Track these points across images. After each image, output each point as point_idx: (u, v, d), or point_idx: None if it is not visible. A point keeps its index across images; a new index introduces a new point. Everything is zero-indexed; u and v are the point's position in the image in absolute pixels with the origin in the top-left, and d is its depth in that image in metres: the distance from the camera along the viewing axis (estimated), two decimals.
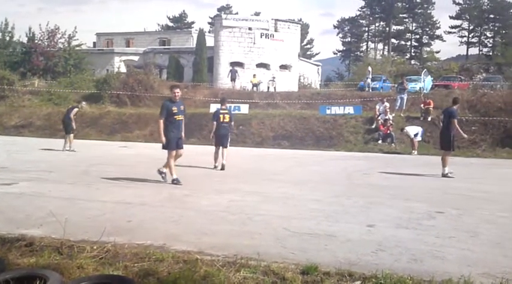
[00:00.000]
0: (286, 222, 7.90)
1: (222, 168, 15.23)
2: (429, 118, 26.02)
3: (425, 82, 35.57)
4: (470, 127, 24.81)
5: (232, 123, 16.29)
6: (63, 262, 5.36)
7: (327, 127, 27.21)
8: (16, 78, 39.43)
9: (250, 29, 46.32)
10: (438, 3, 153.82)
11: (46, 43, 47.62)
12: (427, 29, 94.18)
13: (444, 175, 14.49)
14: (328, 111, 29.10)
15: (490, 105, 26.79)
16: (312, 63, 67.86)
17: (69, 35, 48.09)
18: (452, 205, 9.89)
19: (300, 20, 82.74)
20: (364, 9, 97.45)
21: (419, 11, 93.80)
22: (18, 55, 47.58)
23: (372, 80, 41.40)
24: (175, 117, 11.66)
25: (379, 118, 26.24)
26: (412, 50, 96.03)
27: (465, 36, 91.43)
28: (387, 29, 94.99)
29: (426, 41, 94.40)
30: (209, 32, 67.28)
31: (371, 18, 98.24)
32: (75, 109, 21.21)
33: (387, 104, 26.90)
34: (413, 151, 22.74)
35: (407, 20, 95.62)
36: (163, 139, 11.58)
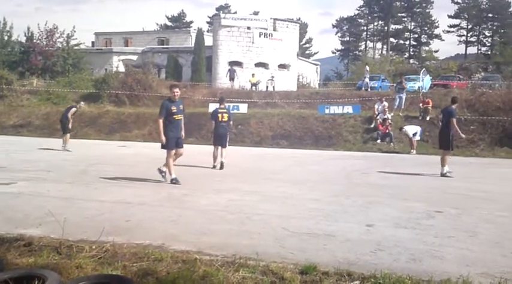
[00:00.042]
0: (285, 222, 7.90)
1: (221, 167, 15.25)
2: (428, 118, 26.03)
3: (424, 81, 35.63)
4: (469, 127, 24.84)
5: (231, 122, 16.30)
6: (62, 262, 5.35)
7: (326, 126, 27.21)
8: (14, 77, 39.38)
9: (248, 28, 46.29)
10: (437, 3, 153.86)
11: (44, 42, 47.60)
12: (426, 28, 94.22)
13: (443, 175, 14.50)
14: (327, 111, 29.10)
15: (489, 104, 26.81)
16: (311, 63, 67.86)
17: (68, 34, 48.10)
18: (451, 204, 9.89)
19: (299, 19, 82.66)
20: (362, 9, 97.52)
21: (418, 10, 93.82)
22: (16, 54, 47.53)
23: (371, 79, 41.47)
24: (174, 116, 11.66)
25: (378, 117, 26.26)
26: (411, 49, 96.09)
27: (464, 35, 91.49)
28: (386, 28, 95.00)
29: (425, 40, 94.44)
30: (208, 31, 67.20)
31: (370, 17, 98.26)
32: (73, 109, 21.16)
33: (386, 103, 26.92)
34: (412, 151, 22.76)
35: (405, 19, 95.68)
36: (163, 138, 11.58)
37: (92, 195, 10.05)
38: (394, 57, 76.13)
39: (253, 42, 46.23)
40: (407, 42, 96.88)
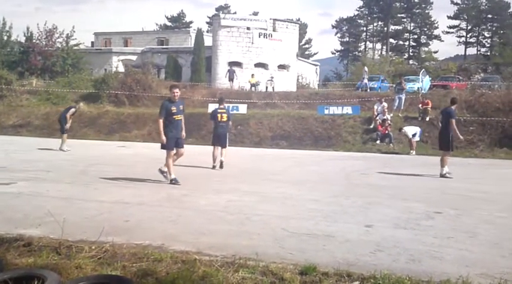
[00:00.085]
0: (284, 222, 7.90)
1: (221, 166, 15.30)
2: (427, 119, 26.04)
3: (424, 82, 35.57)
4: (468, 128, 24.86)
5: (230, 122, 16.29)
6: (62, 262, 5.35)
7: (325, 127, 27.22)
8: (14, 77, 39.34)
9: (248, 28, 46.30)
10: (436, 3, 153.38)
11: (44, 42, 47.57)
12: (425, 29, 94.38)
13: (442, 176, 14.50)
14: (326, 111, 29.11)
15: (488, 105, 26.80)
16: (310, 63, 67.91)
17: (67, 34, 48.04)
18: (450, 205, 9.90)
19: (298, 19, 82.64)
20: (362, 9, 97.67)
21: (418, 11, 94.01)
22: (16, 54, 47.53)
23: (370, 80, 41.55)
24: (174, 116, 11.67)
25: (378, 118, 26.27)
26: (410, 50, 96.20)
27: (463, 36, 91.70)
28: (385, 28, 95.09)
29: (424, 41, 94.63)
30: (207, 31, 67.21)
31: (369, 18, 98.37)
32: (72, 110, 21.06)
33: (385, 104, 26.96)
34: (411, 151, 22.76)
35: (405, 19, 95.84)
36: (164, 138, 11.57)
37: (91, 195, 10.05)
38: (394, 58, 76.16)
39: (252, 43, 46.23)
40: (406, 43, 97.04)
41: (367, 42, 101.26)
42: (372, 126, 26.57)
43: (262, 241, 6.77)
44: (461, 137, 15.02)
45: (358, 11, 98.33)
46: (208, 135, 20.22)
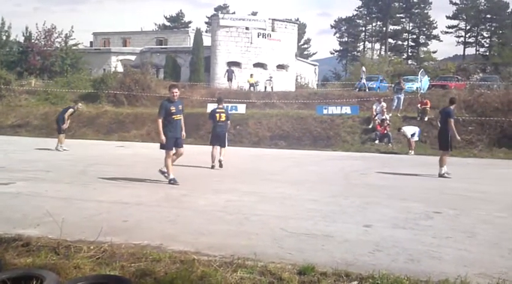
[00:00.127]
0: (283, 222, 7.90)
1: (220, 165, 15.34)
2: (426, 118, 26.05)
3: (422, 82, 35.68)
4: (467, 128, 24.89)
5: (229, 122, 16.29)
6: (60, 262, 5.34)
7: (324, 127, 27.23)
8: (13, 77, 39.38)
9: (247, 28, 46.34)
10: (435, 3, 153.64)
11: (43, 42, 47.66)
12: (424, 29, 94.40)
13: (441, 175, 14.51)
14: (325, 111, 29.13)
15: (487, 105, 26.82)
16: (309, 63, 67.98)
17: (66, 34, 48.17)
18: (449, 205, 9.90)
19: (297, 19, 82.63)
20: (361, 9, 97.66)
21: (416, 11, 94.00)
22: (15, 54, 47.59)
23: (369, 80, 41.62)
24: (173, 116, 11.67)
25: (376, 118, 26.28)
26: (409, 50, 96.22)
27: (462, 36, 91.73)
28: (384, 28, 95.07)
29: (423, 41, 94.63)
30: (206, 31, 67.31)
31: (368, 18, 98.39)
32: (70, 110, 20.98)
33: (384, 104, 26.99)
34: (410, 151, 22.78)
35: (404, 19, 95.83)
36: (163, 138, 11.57)
37: (90, 195, 10.04)
38: (393, 58, 76.15)
39: (251, 43, 46.27)
40: (405, 43, 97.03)
41: (366, 42, 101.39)
42: (370, 126, 26.58)
43: (260, 241, 6.77)
44: (458, 137, 15.01)
45: (357, 11, 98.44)
46: (207, 135, 20.21)
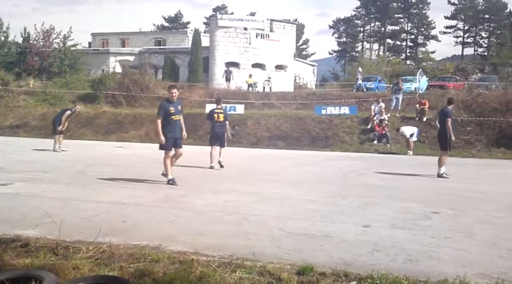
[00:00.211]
0: (281, 222, 7.90)
1: (221, 166, 15.41)
2: (424, 119, 26.07)
3: (421, 82, 35.69)
4: (466, 128, 24.94)
5: (227, 122, 16.30)
6: (59, 263, 5.34)
7: (323, 127, 27.24)
8: (11, 78, 39.33)
9: (245, 29, 46.32)
10: (433, 4, 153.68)
11: (41, 43, 47.57)
12: (422, 29, 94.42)
13: (439, 176, 14.52)
14: (323, 111, 29.13)
15: (485, 105, 26.85)
16: (308, 64, 67.97)
17: (64, 35, 48.10)
18: (447, 205, 9.91)
19: (296, 20, 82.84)
20: (359, 10, 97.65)
21: (415, 11, 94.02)
22: (13, 55, 47.53)
23: (368, 80, 41.69)
24: (172, 117, 11.68)
25: (375, 118, 26.29)
26: (408, 50, 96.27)
27: (460, 36, 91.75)
28: (382, 29, 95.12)
29: (421, 41, 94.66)
30: (204, 32, 67.35)
31: (366, 18, 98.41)
32: (68, 112, 20.86)
33: (382, 104, 26.97)
34: (408, 152, 22.78)
35: (402, 20, 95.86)
36: (162, 138, 11.57)
37: (88, 196, 10.04)
38: (391, 58, 76.34)
39: (250, 43, 46.25)
40: (404, 43, 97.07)
41: (364, 43, 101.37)
42: (369, 126, 26.60)
43: (259, 241, 6.77)
44: (453, 138, 15.00)
45: (355, 11, 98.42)
46: (206, 135, 20.20)
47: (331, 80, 75.82)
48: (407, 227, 7.87)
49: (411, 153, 22.70)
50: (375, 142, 25.19)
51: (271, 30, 46.98)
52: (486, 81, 38.57)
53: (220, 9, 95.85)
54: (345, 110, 29.08)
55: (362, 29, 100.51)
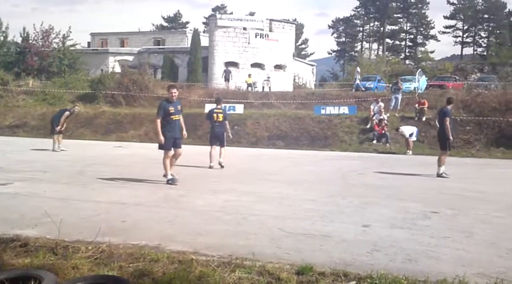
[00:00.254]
0: (281, 222, 7.90)
1: (222, 167, 15.47)
2: (424, 118, 26.07)
3: (420, 82, 35.68)
4: (465, 127, 24.95)
5: (227, 122, 16.29)
6: (58, 263, 5.34)
7: (322, 127, 27.24)
8: (10, 78, 39.31)
9: (244, 29, 46.33)
10: (432, 3, 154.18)
11: (40, 43, 47.56)
12: (422, 29, 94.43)
13: (439, 175, 14.52)
14: (323, 111, 29.12)
15: (485, 105, 26.86)
16: (307, 63, 67.93)
17: (64, 35, 48.08)
18: (447, 205, 9.91)
19: (295, 20, 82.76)
20: (358, 9, 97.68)
21: (414, 11, 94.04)
22: (12, 55, 47.52)
23: (367, 80, 41.74)
24: (172, 117, 11.69)
25: (374, 118, 26.29)
26: (407, 50, 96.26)
27: (459, 36, 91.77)
28: (382, 29, 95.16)
29: (421, 41, 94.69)
30: (204, 32, 67.30)
31: (365, 18, 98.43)
32: (67, 113, 20.80)
33: (382, 104, 26.97)
34: (408, 151, 22.78)
35: (401, 20, 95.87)
36: (162, 138, 11.58)
37: (88, 196, 10.03)
38: (390, 58, 76.30)
39: (249, 43, 46.26)
40: (403, 43, 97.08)
41: (364, 42, 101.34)
42: (368, 126, 26.60)
43: (258, 241, 6.77)
44: (451, 138, 14.97)
45: (355, 11, 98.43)
46: (205, 135, 20.21)
47: (331, 80, 75.80)
48: (407, 227, 7.88)
49: (410, 152, 22.70)
50: (374, 142, 25.19)
51: (270, 30, 47.00)
52: (485, 80, 38.53)
53: (220, 9, 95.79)
54: (344, 110, 29.07)
55: (361, 28, 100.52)
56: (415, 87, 34.59)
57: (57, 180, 12.33)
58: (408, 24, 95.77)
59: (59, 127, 20.35)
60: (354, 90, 40.37)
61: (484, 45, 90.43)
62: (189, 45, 48.50)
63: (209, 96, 35.11)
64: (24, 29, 48.47)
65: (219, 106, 16.22)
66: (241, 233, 7.19)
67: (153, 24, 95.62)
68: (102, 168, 14.97)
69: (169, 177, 11.81)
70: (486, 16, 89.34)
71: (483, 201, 10.78)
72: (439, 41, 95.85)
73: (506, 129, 24.68)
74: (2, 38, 47.85)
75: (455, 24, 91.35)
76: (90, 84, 38.24)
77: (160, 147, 11.78)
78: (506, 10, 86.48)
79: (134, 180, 12.36)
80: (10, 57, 47.13)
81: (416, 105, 27.19)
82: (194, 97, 35.60)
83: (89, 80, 39.86)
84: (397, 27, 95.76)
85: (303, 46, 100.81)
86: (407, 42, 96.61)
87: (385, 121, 25.64)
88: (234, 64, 45.54)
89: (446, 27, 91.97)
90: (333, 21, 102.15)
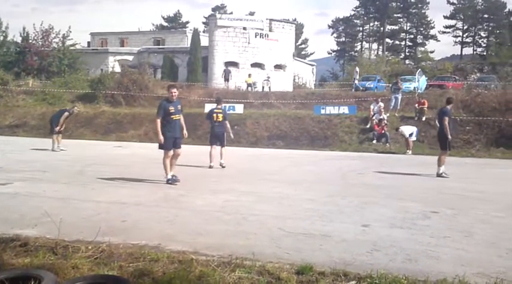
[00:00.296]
0: (281, 222, 7.90)
1: (222, 167, 15.50)
2: (423, 118, 26.07)
3: (420, 82, 35.66)
4: (465, 127, 24.93)
5: (227, 122, 16.28)
6: (58, 262, 5.34)
7: (322, 127, 27.23)
8: (10, 78, 39.31)
9: (244, 28, 46.34)
10: (432, 3, 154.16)
11: (40, 43, 47.58)
12: (422, 29, 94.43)
13: (439, 175, 14.52)
14: (322, 111, 29.12)
15: (484, 104, 26.86)
16: (307, 63, 67.92)
17: (63, 34, 48.08)
18: (447, 205, 9.91)
19: (295, 19, 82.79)
20: (358, 9, 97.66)
21: (414, 10, 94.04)
22: (12, 55, 47.52)
23: (367, 80, 41.78)
24: (172, 116, 11.69)
25: (374, 118, 26.28)
26: (407, 50, 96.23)
27: (459, 36, 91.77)
28: (381, 28, 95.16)
29: (420, 41, 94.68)
30: (204, 31, 67.26)
31: (365, 18, 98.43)
32: (66, 114, 20.80)
33: (382, 104, 26.97)
34: (407, 151, 22.78)
35: (401, 19, 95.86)
36: (161, 138, 11.59)
37: (88, 196, 10.04)
38: (390, 58, 76.31)
39: (249, 43, 46.27)
40: (403, 43, 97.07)
41: (364, 42, 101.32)
42: (368, 126, 26.59)
43: (258, 241, 6.78)
44: (449, 136, 14.96)
45: (355, 11, 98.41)
46: (205, 135, 20.22)
47: (330, 80, 75.80)
48: (407, 226, 7.88)
49: (410, 152, 22.70)
50: (374, 141, 25.18)
51: (270, 30, 47.01)
52: (485, 80, 38.51)
53: (220, 8, 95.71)
54: (344, 110, 29.06)
55: (361, 28, 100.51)
56: (415, 87, 34.57)
57: (57, 179, 12.33)
58: (408, 24, 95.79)
59: (57, 128, 20.35)
60: (353, 90, 40.43)
61: (484, 45, 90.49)
62: (189, 45, 48.50)
63: (209, 96, 35.11)
64: (24, 28, 48.58)
65: (219, 107, 16.22)
66: (241, 233, 7.20)
67: (153, 24, 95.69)
68: (102, 168, 14.97)
69: (169, 176, 11.81)
70: (486, 16, 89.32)
71: (483, 200, 10.78)
72: (439, 40, 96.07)
73: (506, 129, 24.68)
74: (1, 38, 47.83)
75: (455, 24, 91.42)
76: (90, 84, 38.23)
77: (161, 146, 11.79)
78: (506, 10, 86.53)
79: (134, 180, 12.36)
80: (10, 57, 47.13)
81: (416, 105, 27.19)
82: (194, 97, 35.59)
83: (88, 80, 39.86)
84: (397, 27, 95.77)
85: (303, 46, 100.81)
86: (407, 42, 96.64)
87: (385, 121, 25.64)
88: (234, 64, 45.54)
89: (446, 27, 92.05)
90: (332, 21, 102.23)
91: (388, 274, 5.20)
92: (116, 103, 34.93)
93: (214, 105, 17.63)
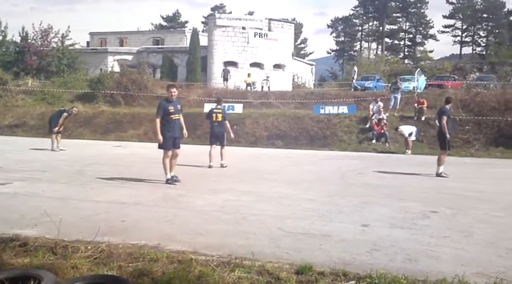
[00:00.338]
0: (280, 222, 7.91)
1: (223, 167, 15.55)
2: (423, 118, 26.05)
3: (419, 81, 35.63)
4: (464, 127, 24.92)
5: (226, 121, 16.27)
6: (58, 262, 5.34)
7: (321, 126, 27.21)
8: (9, 77, 39.27)
9: (243, 28, 46.32)
10: (431, 3, 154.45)
11: (39, 42, 47.56)
12: (421, 29, 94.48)
13: (438, 175, 14.52)
14: (322, 111, 29.09)
15: (484, 104, 26.86)
16: (306, 63, 67.87)
17: (63, 34, 48.12)
18: (446, 204, 9.91)
19: (294, 19, 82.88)
20: (357, 9, 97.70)
21: (413, 10, 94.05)
22: (11, 54, 47.47)
23: (366, 80, 41.76)
24: (171, 116, 11.70)
25: (373, 117, 26.27)
26: (406, 49, 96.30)
27: (458, 35, 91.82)
28: (381, 28, 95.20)
29: (420, 41, 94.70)
30: (203, 31, 67.22)
31: (364, 17, 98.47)
32: (65, 114, 20.79)
33: (381, 104, 26.94)
34: (407, 151, 22.77)
35: (400, 19, 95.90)
36: (161, 138, 11.59)
37: (87, 195, 10.04)
38: (389, 57, 76.38)
39: (248, 42, 46.26)
40: (402, 43, 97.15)
41: (363, 42, 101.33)
42: (367, 126, 26.58)
43: (258, 241, 6.78)
44: (448, 136, 14.94)
45: (354, 10, 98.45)
46: (205, 134, 20.22)
47: (330, 79, 75.86)
48: (406, 226, 7.88)
49: (410, 152, 22.69)
50: (374, 141, 25.16)
51: (269, 30, 47.00)
52: (484, 80, 38.54)
53: (219, 8, 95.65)
54: (344, 109, 29.04)
55: (360, 28, 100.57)
56: (414, 87, 34.54)
57: (56, 179, 12.33)
58: (407, 24, 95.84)
59: (56, 128, 20.34)
60: (352, 89, 40.44)
61: (483, 44, 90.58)
62: (188, 45, 48.49)
63: (208, 95, 35.11)
64: (23, 28, 48.54)
65: (218, 106, 16.23)
66: (241, 233, 7.20)
67: (152, 24, 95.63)
68: (102, 168, 14.96)
69: (169, 176, 11.81)
70: (485, 15, 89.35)
71: (482, 200, 10.78)
72: (438, 40, 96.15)
73: (505, 129, 24.67)
74: (0, 38, 47.75)
75: (454, 24, 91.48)
76: (89, 83, 38.19)
77: (160, 146, 11.80)
78: (505, 9, 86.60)
79: (133, 180, 12.36)
80: (9, 57, 47.09)
81: (416, 105, 27.17)
82: (193, 97, 35.55)
83: (88, 80, 39.81)
84: (396, 27, 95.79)
85: (302, 45, 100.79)
86: (406, 42, 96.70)
87: (384, 121, 25.63)
88: (233, 63, 45.54)
89: (445, 26, 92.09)
90: (332, 20, 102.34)
91: (387, 274, 5.20)
92: (115, 103, 34.90)
93: (214, 105, 17.62)
